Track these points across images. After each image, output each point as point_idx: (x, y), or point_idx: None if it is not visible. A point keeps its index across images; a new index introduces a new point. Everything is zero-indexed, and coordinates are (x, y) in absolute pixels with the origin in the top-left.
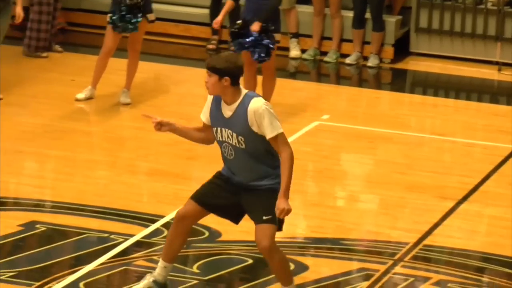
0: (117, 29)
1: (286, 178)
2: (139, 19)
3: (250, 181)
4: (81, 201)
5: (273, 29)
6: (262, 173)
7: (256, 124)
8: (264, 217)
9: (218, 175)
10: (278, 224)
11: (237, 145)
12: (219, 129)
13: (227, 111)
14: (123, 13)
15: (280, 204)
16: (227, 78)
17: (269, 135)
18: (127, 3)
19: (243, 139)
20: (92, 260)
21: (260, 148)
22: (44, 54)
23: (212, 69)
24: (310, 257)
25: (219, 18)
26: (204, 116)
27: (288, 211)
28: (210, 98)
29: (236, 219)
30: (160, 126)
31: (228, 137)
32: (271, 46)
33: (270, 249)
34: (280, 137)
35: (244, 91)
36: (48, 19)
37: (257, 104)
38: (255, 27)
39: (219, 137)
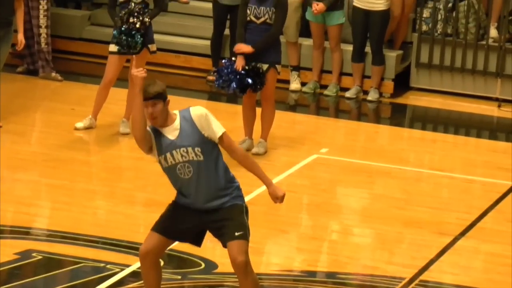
0: (120, 47)
1: (258, 170)
2: (141, 39)
3: (208, 200)
4: (78, 230)
5: (260, 70)
6: (220, 187)
7: (205, 128)
8: (237, 233)
9: (174, 205)
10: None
11: (195, 158)
12: (168, 154)
13: (171, 132)
14: (123, 29)
15: (276, 193)
16: (168, 99)
17: (218, 133)
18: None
19: (199, 149)
20: None
21: (216, 157)
22: (59, 78)
23: (158, 96)
24: None
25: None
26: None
27: (284, 194)
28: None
29: (198, 242)
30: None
31: (182, 156)
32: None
33: (246, 264)
34: (227, 136)
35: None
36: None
37: (199, 110)
38: (246, 48)
39: (171, 162)
